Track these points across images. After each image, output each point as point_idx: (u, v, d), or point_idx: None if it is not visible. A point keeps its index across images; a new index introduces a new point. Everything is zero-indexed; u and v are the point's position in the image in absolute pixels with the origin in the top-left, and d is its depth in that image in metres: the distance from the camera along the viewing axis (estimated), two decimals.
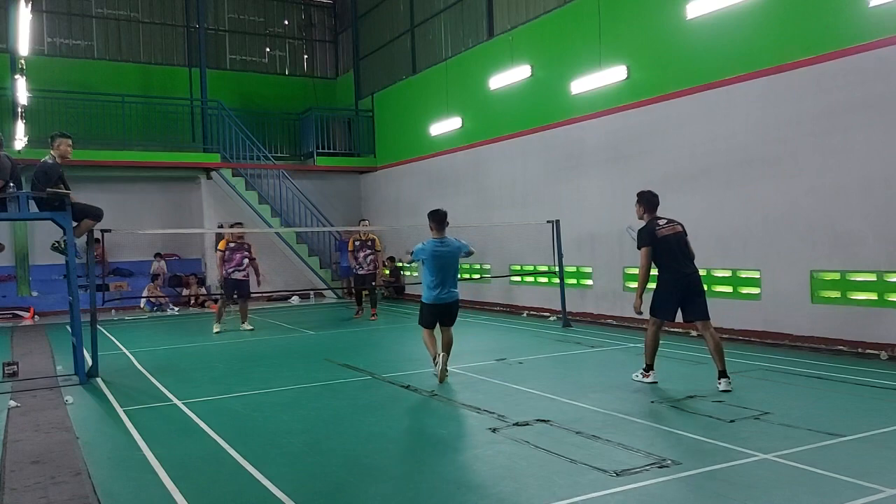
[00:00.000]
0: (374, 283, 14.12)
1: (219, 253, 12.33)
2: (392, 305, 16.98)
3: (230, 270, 12.26)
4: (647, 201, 7.24)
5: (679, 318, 7.01)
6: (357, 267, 13.76)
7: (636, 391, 6.91)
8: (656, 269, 7.07)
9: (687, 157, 10.62)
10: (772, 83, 9.44)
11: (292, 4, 22.35)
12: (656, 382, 7.13)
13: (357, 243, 13.78)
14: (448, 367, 7.75)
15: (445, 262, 7.65)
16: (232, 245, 12.32)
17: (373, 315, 13.97)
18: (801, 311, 9.18)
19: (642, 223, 7.23)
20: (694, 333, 10.23)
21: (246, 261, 12.42)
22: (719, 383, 6.77)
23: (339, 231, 18.98)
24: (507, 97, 14.34)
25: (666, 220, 7.16)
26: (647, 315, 7.17)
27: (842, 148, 8.69)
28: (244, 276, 12.45)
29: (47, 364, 9.56)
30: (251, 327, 12.67)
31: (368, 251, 13.75)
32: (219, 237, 18.06)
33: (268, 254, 18.81)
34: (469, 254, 7.90)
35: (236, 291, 12.50)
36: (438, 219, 7.83)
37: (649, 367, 7.20)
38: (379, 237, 14.47)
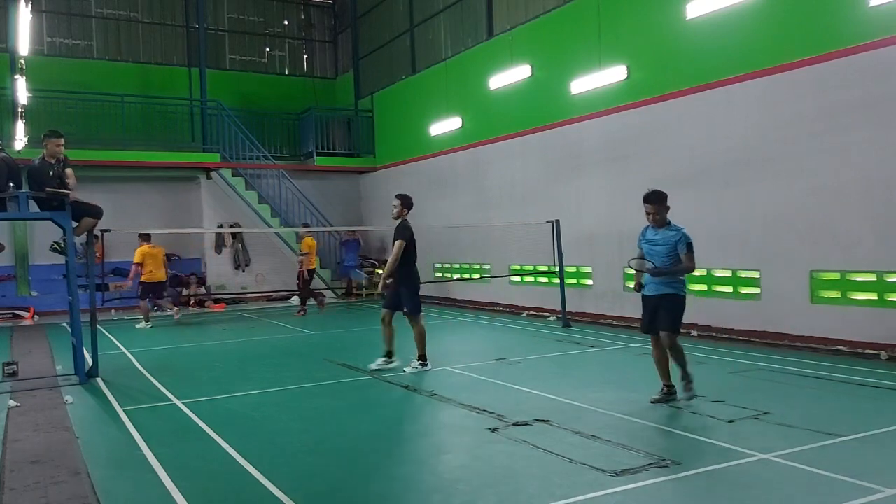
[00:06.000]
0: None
1: (135, 267, 13.70)
2: None
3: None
4: (408, 202, 8.46)
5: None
6: (309, 268, 15.11)
7: (636, 391, 6.91)
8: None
9: (687, 157, 10.62)
10: (772, 83, 9.43)
11: (292, 4, 22.33)
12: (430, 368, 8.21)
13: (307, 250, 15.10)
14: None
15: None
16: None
17: (304, 312, 15.10)
18: (800, 311, 9.17)
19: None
20: (694, 334, 10.24)
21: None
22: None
23: (340, 231, 19.00)
24: (507, 97, 14.33)
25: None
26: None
27: (842, 148, 8.68)
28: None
29: (47, 364, 9.55)
30: (177, 316, 14.35)
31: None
32: (218, 237, 18.21)
33: (268, 254, 18.89)
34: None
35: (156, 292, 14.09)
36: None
37: (391, 353, 8.47)
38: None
